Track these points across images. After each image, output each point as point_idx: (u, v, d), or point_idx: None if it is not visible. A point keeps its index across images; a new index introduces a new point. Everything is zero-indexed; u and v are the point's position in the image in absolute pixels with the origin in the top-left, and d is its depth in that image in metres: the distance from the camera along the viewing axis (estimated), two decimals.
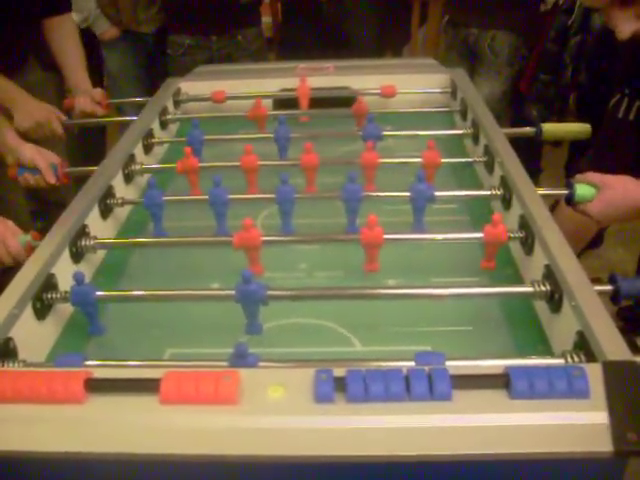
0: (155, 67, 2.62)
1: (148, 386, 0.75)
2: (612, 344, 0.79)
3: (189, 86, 1.84)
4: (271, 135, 1.49)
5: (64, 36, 1.86)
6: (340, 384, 0.73)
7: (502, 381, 0.73)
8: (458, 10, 2.59)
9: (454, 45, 2.64)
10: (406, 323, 1.02)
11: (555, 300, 0.93)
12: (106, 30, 2.53)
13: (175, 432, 0.71)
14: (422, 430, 0.70)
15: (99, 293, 0.99)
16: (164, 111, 1.69)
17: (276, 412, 0.72)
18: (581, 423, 0.69)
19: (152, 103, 1.71)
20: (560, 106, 2.86)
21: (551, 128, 1.48)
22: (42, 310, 0.99)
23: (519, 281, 1.09)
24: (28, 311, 0.96)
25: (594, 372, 0.73)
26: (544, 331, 0.98)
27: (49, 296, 1.00)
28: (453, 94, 1.75)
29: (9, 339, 0.90)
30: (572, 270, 0.93)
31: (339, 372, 0.74)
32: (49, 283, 1.01)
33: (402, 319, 1.03)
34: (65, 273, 1.05)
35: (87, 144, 2.35)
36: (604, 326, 0.82)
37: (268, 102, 1.79)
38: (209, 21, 2.42)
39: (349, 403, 0.72)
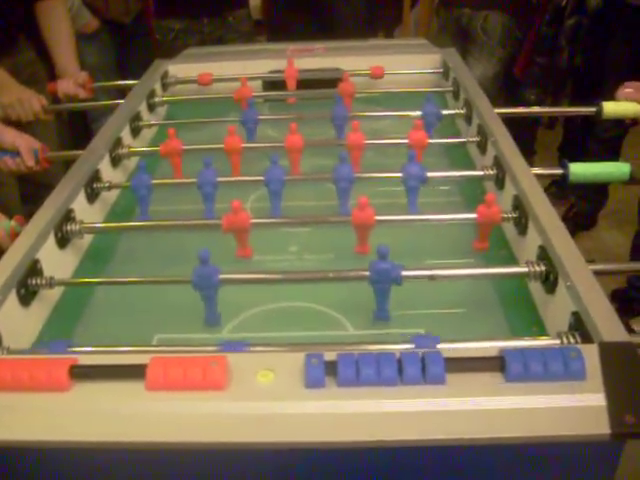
0: (134, 57, 2.57)
1: (134, 372, 0.73)
2: (608, 325, 0.77)
3: (177, 68, 1.81)
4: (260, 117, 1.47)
5: (54, 20, 1.83)
6: (331, 368, 0.72)
7: (497, 364, 0.71)
8: None
9: (446, 26, 2.61)
10: (399, 306, 1.00)
11: (550, 281, 0.92)
12: (88, 22, 2.47)
13: (162, 419, 0.70)
14: (415, 414, 0.68)
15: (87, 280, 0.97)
16: (152, 94, 1.66)
17: (265, 398, 0.70)
18: (578, 405, 0.67)
19: (139, 86, 1.68)
20: (556, 89, 2.83)
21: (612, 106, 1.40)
22: (27, 297, 0.96)
23: (513, 262, 1.08)
24: (12, 298, 0.93)
25: (590, 353, 0.71)
26: (539, 313, 0.97)
27: (34, 282, 0.97)
28: (445, 74, 1.72)
29: None
30: (567, 250, 0.91)
31: (330, 356, 0.73)
32: (34, 269, 0.99)
33: (395, 302, 1.00)
34: (50, 259, 1.03)
35: (77, 130, 2.31)
36: (600, 307, 0.80)
37: (258, 84, 1.77)
38: (200, 3, 2.38)
39: (340, 388, 0.71)
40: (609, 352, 0.72)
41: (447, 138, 1.45)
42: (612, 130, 2.43)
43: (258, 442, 0.67)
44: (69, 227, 1.10)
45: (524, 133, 2.61)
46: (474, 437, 0.66)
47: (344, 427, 0.68)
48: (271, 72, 1.76)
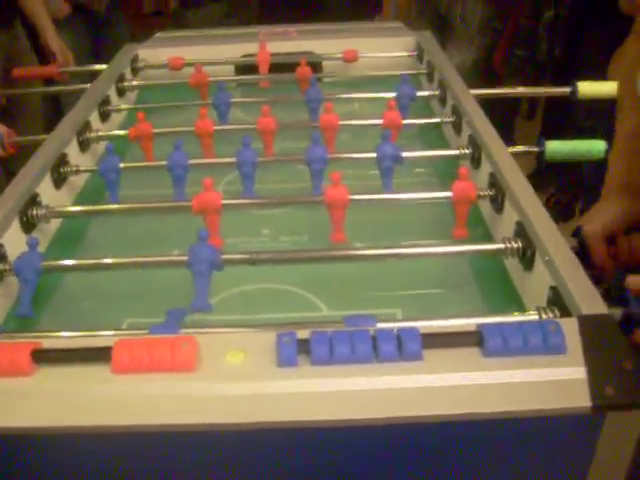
0: (108, 45, 2.51)
1: (99, 355, 0.70)
2: (587, 298, 0.76)
3: (147, 53, 1.77)
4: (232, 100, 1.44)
5: None
6: (304, 347, 0.69)
7: (475, 339, 0.69)
8: None
9: (425, 14, 2.58)
10: (375, 286, 0.99)
11: (527, 257, 0.90)
12: (60, 7, 2.40)
13: (129, 402, 0.67)
14: (392, 392, 0.66)
15: (46, 263, 0.93)
16: (121, 78, 1.62)
17: (236, 378, 0.68)
18: (558, 379, 0.65)
19: (108, 70, 1.64)
20: (535, 82, 2.82)
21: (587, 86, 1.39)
22: None
23: (490, 241, 1.06)
24: None
25: (570, 327, 0.70)
26: (516, 290, 0.95)
27: None
28: (419, 57, 1.70)
29: None
30: (544, 226, 0.90)
31: (303, 335, 0.70)
32: None
33: (370, 282, 0.99)
34: (15, 244, 0.99)
35: (50, 116, 2.24)
36: (578, 280, 0.79)
37: (231, 69, 1.74)
38: None
39: (314, 366, 0.68)
40: (588, 325, 0.71)
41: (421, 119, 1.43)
42: (591, 119, 2.41)
43: (229, 423, 0.65)
44: (34, 211, 1.07)
45: (502, 123, 2.60)
46: (453, 413, 0.65)
47: (319, 406, 0.66)
48: (243, 56, 1.73)
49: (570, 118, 2.53)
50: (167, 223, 1.13)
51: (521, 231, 0.93)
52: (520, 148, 1.19)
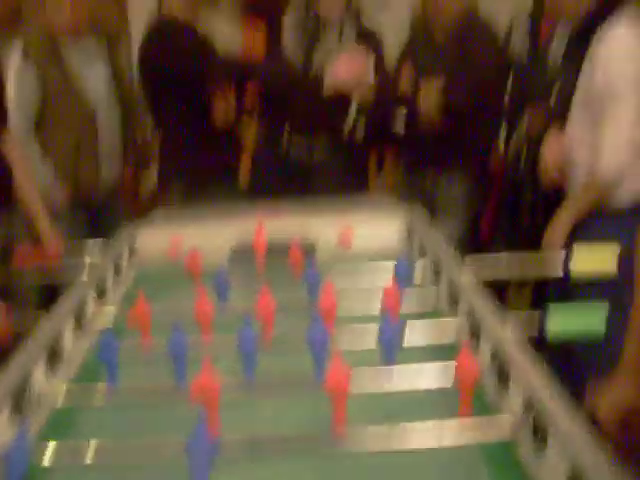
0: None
1: None
2: None
3: (145, 233, 1.81)
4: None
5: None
6: None
7: None
8: (413, 159, 2.69)
9: (412, 189, 2.68)
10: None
11: (538, 439, 0.87)
12: (60, 199, 2.44)
13: None
14: None
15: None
16: (118, 261, 1.64)
17: None
18: None
19: (105, 254, 1.67)
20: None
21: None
22: None
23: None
24: None
25: None
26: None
27: None
28: (411, 238, 1.76)
29: None
30: (554, 401, 0.87)
31: None
32: None
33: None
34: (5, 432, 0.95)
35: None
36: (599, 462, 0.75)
37: (225, 251, 1.77)
38: None
39: None
40: None
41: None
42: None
43: None
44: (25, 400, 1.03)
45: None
46: None
47: None
48: (239, 243, 1.76)
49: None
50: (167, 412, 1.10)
51: (530, 408, 0.90)
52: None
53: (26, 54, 2.37)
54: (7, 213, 1.88)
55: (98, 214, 2.47)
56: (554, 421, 0.84)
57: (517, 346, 1.03)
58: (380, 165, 2.98)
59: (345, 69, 2.05)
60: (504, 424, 0.93)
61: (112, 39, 2.69)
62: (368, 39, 2.48)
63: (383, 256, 1.63)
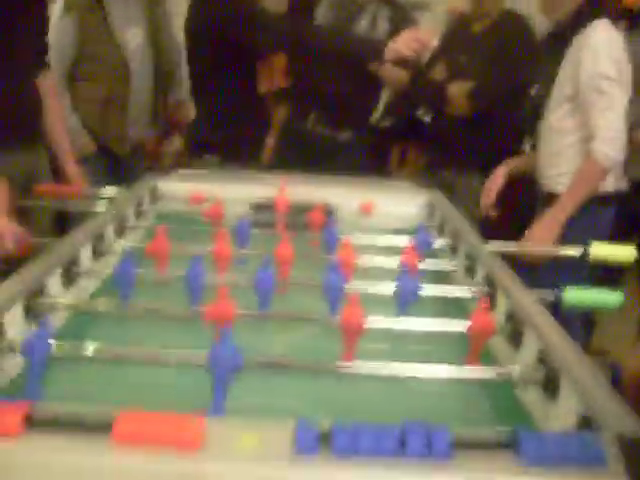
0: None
1: (100, 425, 0.64)
2: (621, 419, 0.72)
3: (166, 185, 1.82)
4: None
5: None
6: (325, 436, 0.64)
7: (510, 443, 0.64)
8: (435, 155, 2.68)
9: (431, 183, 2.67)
10: (386, 411, 0.93)
11: (551, 385, 0.86)
12: (85, 145, 2.49)
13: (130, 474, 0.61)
14: None
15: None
16: (140, 202, 1.65)
17: (248, 460, 0.62)
18: None
19: (128, 194, 1.67)
20: None
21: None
22: None
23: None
24: None
25: (608, 442, 0.65)
26: (537, 425, 0.90)
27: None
28: (431, 214, 1.75)
29: None
30: (569, 352, 0.87)
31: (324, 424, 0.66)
32: None
33: (382, 406, 0.93)
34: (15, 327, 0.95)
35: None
36: (610, 404, 0.75)
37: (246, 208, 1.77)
38: None
39: (335, 456, 0.63)
40: (627, 443, 0.66)
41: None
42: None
43: None
44: (40, 300, 1.03)
45: None
46: None
47: None
48: (260, 198, 1.76)
49: None
50: (177, 332, 1.09)
51: (543, 359, 0.89)
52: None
53: (68, 4, 2.39)
54: (33, 147, 1.89)
55: (122, 166, 2.47)
56: (568, 367, 0.83)
57: (534, 304, 1.03)
58: (403, 157, 2.98)
59: (406, 43, 2.03)
60: (512, 372, 0.92)
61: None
62: (403, 22, 2.46)
63: (403, 230, 1.63)
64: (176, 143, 3.26)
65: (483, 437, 0.66)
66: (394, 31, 2.29)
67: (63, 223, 1.93)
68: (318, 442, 0.64)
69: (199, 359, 0.85)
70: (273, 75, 2.31)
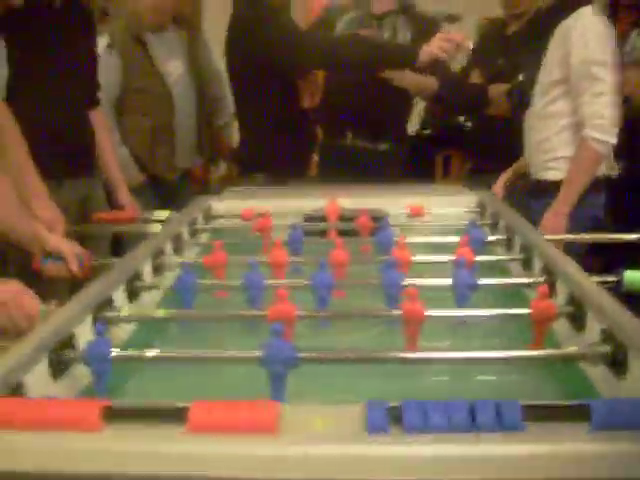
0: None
1: (175, 415, 0.66)
2: None
3: (219, 205, 1.86)
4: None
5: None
6: (395, 415, 0.65)
7: (582, 412, 0.64)
8: (478, 161, 2.67)
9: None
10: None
11: (618, 361, 0.85)
12: (135, 176, 2.56)
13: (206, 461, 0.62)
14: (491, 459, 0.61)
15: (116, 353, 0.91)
16: (194, 221, 1.69)
17: (322, 442, 0.63)
18: None
19: (182, 215, 1.71)
20: None
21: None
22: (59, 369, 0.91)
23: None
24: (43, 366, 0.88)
25: None
26: None
27: (67, 354, 0.92)
28: (482, 213, 1.75)
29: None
30: (636, 329, 0.86)
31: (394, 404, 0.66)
32: (68, 342, 0.94)
33: (450, 393, 0.93)
34: (86, 338, 0.98)
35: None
36: None
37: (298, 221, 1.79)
38: None
39: (406, 434, 0.63)
40: None
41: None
42: None
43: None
44: (108, 313, 1.07)
45: None
46: None
47: (412, 470, 0.60)
48: (312, 210, 1.78)
49: None
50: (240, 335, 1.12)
51: (608, 338, 0.88)
52: (595, 279, 1.17)
53: (111, 44, 2.48)
54: (89, 177, 1.96)
55: (172, 194, 2.53)
56: (635, 342, 0.82)
57: (595, 286, 1.02)
58: (446, 165, 2.98)
59: (440, 45, 2.04)
60: (579, 351, 0.91)
61: (191, 32, 2.79)
62: (426, 31, 2.46)
63: (455, 229, 1.63)
64: (222, 168, 3.35)
65: (553, 408, 0.66)
66: (418, 40, 2.31)
67: (120, 249, 2.00)
68: (389, 420, 0.65)
69: (255, 355, 0.86)
70: (314, 90, 2.33)
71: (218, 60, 2.70)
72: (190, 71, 2.67)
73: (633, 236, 1.44)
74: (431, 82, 2.42)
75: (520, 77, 2.24)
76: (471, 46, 2.15)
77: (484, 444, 0.62)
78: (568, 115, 1.93)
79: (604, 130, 1.83)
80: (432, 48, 2.06)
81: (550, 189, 1.94)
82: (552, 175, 1.97)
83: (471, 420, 0.64)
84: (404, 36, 2.47)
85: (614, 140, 1.85)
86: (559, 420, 0.64)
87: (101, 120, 2.10)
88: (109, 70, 2.38)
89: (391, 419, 0.65)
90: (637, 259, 1.26)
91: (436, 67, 2.24)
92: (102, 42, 2.46)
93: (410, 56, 2.15)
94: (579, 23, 1.88)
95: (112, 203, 2.08)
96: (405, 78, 2.36)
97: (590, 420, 0.63)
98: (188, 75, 2.65)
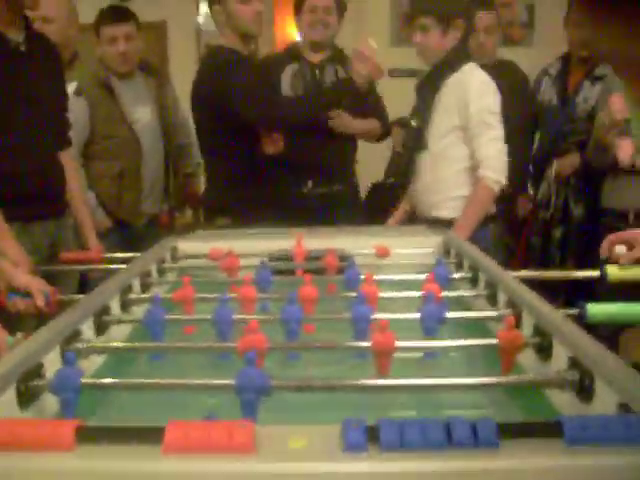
0: None
1: (149, 435, 0.66)
2: None
3: (186, 245, 1.85)
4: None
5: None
6: (372, 433, 0.65)
7: (555, 429, 0.65)
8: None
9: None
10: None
11: (584, 388, 0.87)
12: (101, 221, 2.55)
13: None
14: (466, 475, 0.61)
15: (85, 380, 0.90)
16: (162, 260, 1.68)
17: (299, 460, 0.63)
18: None
19: (150, 254, 1.71)
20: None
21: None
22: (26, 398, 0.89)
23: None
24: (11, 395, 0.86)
25: None
26: None
27: (35, 383, 0.90)
28: (447, 253, 1.78)
29: None
30: (601, 356, 0.88)
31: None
32: (36, 371, 0.92)
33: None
34: (54, 368, 0.97)
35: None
36: None
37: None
38: None
39: (383, 452, 0.64)
40: None
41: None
42: None
43: None
44: (76, 345, 1.05)
45: None
46: None
47: None
48: (278, 250, 1.79)
49: None
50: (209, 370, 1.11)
51: (576, 364, 0.90)
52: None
53: (79, 90, 2.50)
54: (59, 218, 1.96)
55: (137, 239, 2.52)
56: (602, 366, 0.84)
57: (560, 316, 1.04)
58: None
59: (360, 65, 2.19)
60: (544, 379, 0.93)
61: (159, 79, 2.83)
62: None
63: (421, 268, 1.65)
64: (188, 215, 3.35)
65: (527, 425, 0.67)
66: None
67: (87, 289, 1.97)
68: (366, 438, 0.65)
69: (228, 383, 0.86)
70: (277, 137, 2.39)
71: (185, 109, 2.73)
72: (157, 118, 2.70)
73: (590, 273, 1.48)
74: (373, 124, 2.60)
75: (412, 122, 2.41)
76: (375, 45, 2.24)
77: (460, 461, 0.62)
78: (465, 159, 2.10)
79: (497, 170, 2.03)
80: (357, 69, 2.21)
81: (443, 226, 2.01)
82: (446, 213, 2.12)
83: (447, 438, 0.64)
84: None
85: (505, 181, 2.05)
86: (533, 436, 0.65)
87: (71, 161, 2.11)
88: (77, 115, 2.39)
89: (368, 437, 0.65)
90: None
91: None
92: (70, 88, 2.48)
93: (347, 83, 2.31)
94: (473, 78, 2.10)
95: (81, 244, 2.07)
96: (351, 125, 2.54)
97: (563, 436, 0.64)
98: (155, 122, 2.69)
